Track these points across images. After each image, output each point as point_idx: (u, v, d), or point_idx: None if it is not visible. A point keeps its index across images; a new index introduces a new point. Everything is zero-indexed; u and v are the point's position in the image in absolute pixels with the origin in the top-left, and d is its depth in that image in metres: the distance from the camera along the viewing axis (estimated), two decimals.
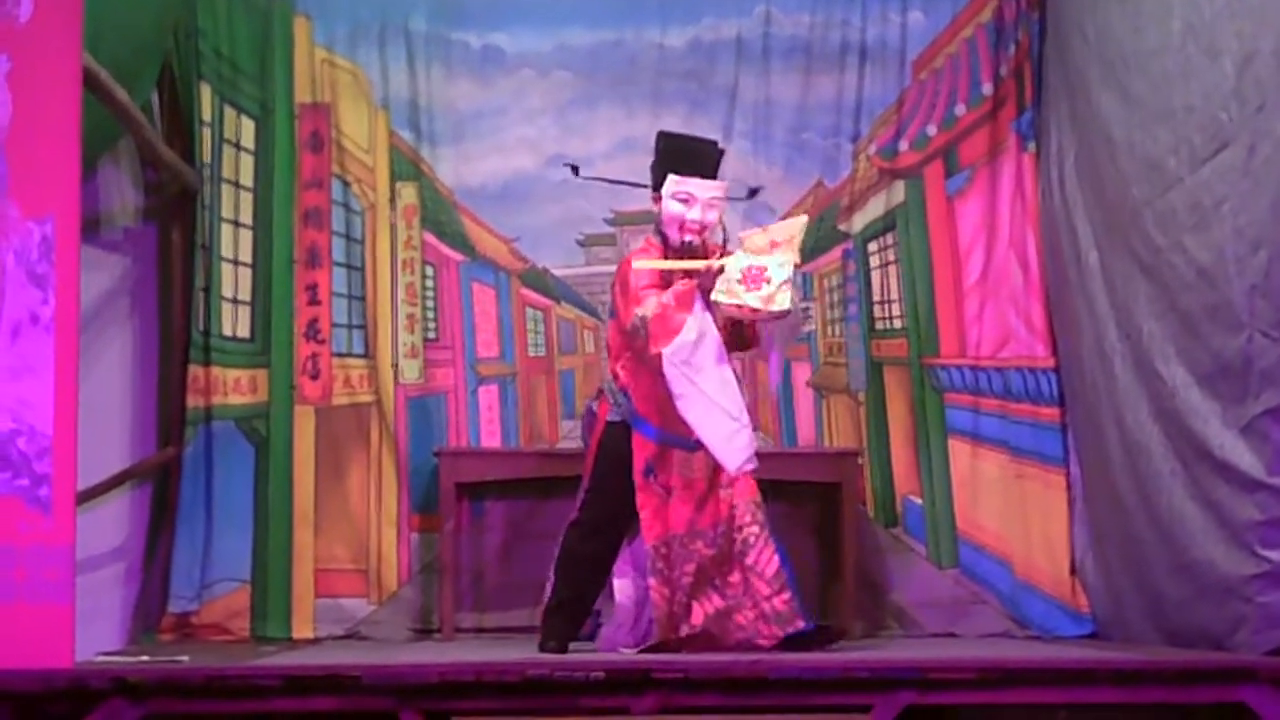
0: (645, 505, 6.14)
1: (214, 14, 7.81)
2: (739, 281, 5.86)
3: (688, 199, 6.22)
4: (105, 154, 7.43)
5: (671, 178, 6.26)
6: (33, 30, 5.25)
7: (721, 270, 5.91)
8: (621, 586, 6.30)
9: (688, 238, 6.23)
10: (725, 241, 6.42)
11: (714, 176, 6.30)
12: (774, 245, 5.96)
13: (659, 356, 5.95)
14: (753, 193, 6.88)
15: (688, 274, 6.10)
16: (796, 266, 5.95)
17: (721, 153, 6.45)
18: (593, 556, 6.29)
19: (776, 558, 6.09)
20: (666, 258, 6.25)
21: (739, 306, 5.88)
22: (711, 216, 6.25)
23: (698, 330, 5.94)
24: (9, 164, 5.20)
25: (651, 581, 6.11)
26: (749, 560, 6.10)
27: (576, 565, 6.29)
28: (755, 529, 6.11)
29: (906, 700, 5.00)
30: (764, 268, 5.86)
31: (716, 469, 6.14)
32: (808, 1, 8.04)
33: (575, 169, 6.92)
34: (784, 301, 5.85)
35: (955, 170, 7.91)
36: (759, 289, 5.84)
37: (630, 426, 6.22)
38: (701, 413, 5.94)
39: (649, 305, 6.03)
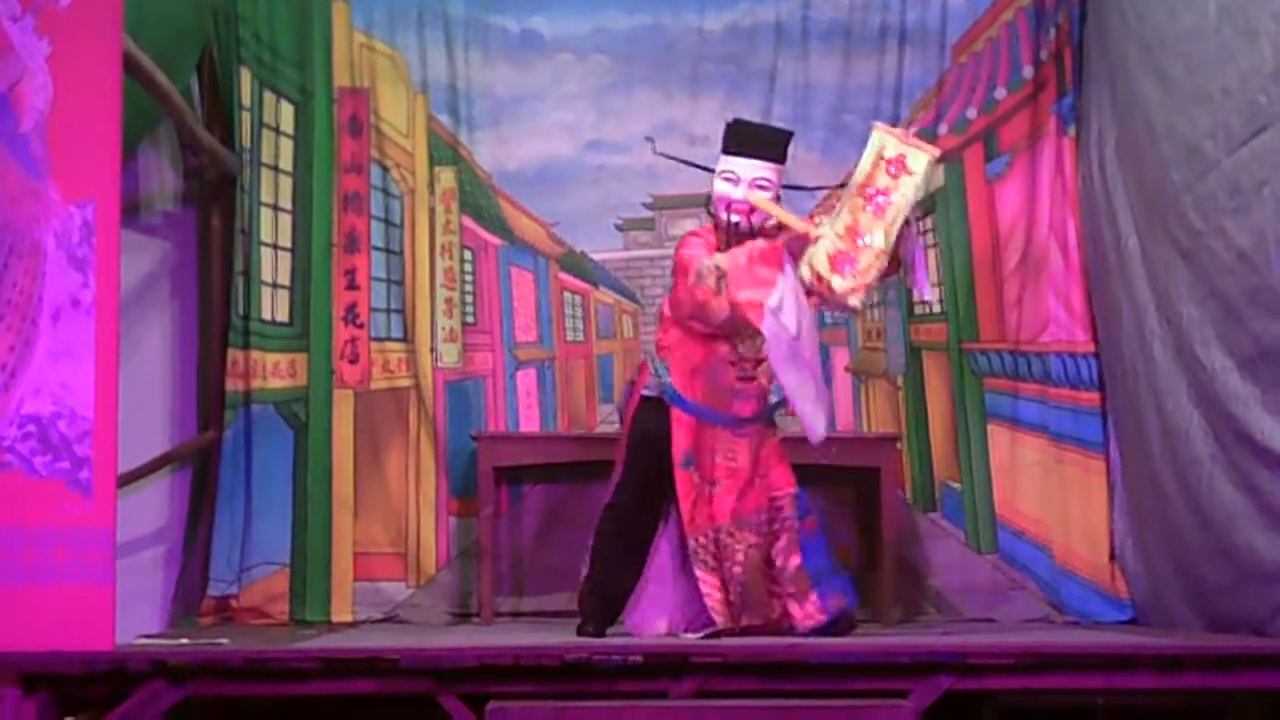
0: (685, 496, 6.14)
1: None
2: (828, 258, 5.86)
3: (733, 178, 6.23)
4: (145, 138, 7.46)
5: (722, 158, 6.30)
6: (74, 14, 5.27)
7: (815, 241, 5.92)
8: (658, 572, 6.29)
9: (733, 217, 6.22)
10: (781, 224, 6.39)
11: (768, 159, 6.27)
12: (892, 165, 5.94)
13: (734, 307, 5.93)
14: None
15: (772, 235, 6.18)
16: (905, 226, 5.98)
17: (782, 137, 6.43)
18: (626, 540, 6.27)
19: (796, 557, 6.18)
20: (718, 239, 6.25)
21: (819, 279, 5.87)
22: (758, 196, 6.22)
23: (793, 288, 5.89)
24: (50, 148, 5.22)
25: (699, 573, 6.11)
26: (775, 556, 6.19)
27: (610, 549, 6.29)
28: (789, 524, 6.20)
29: (945, 685, 5.00)
30: (853, 256, 5.85)
31: (759, 453, 6.19)
32: None
33: (652, 140, 6.93)
34: (857, 302, 5.91)
35: (995, 154, 7.89)
36: (843, 275, 5.85)
37: (666, 406, 6.20)
38: (796, 373, 5.91)
39: (721, 257, 6.01)
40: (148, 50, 6.26)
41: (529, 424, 7.85)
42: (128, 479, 6.51)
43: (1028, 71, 7.87)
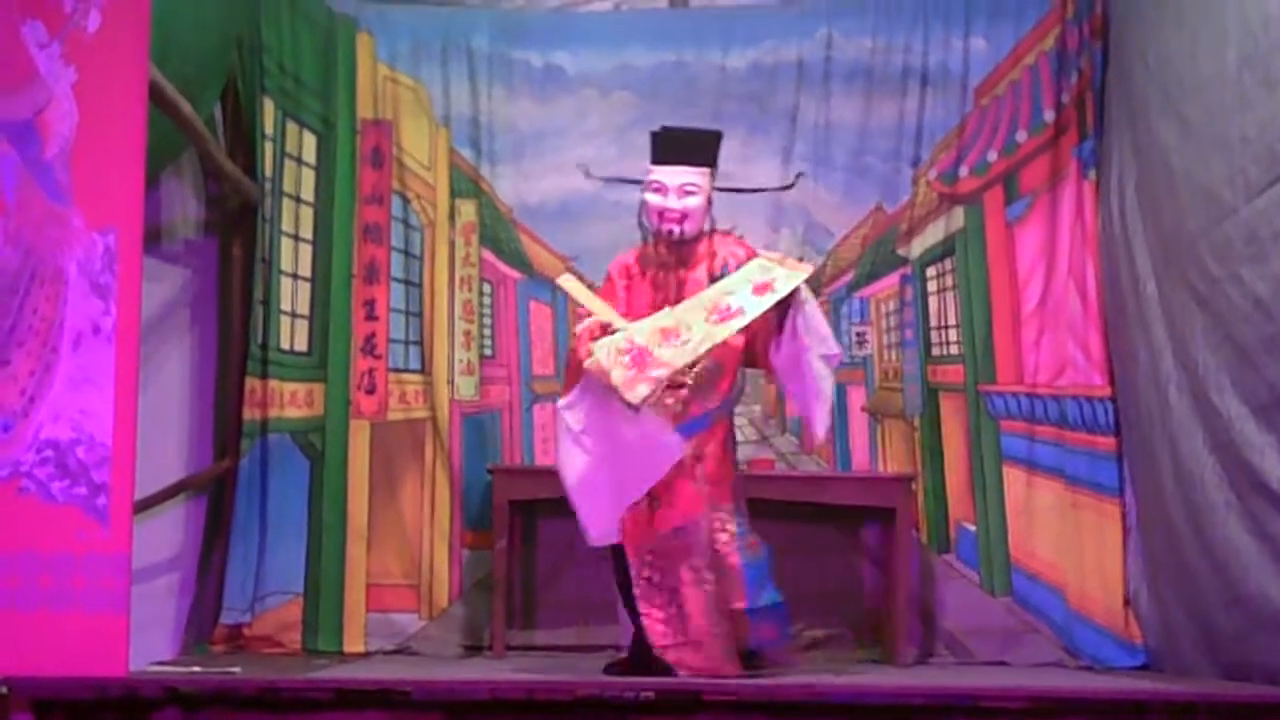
0: (625, 519, 5.98)
1: (278, 29, 7.87)
2: (621, 351, 5.67)
3: (660, 188, 6.16)
4: (168, 166, 7.48)
5: (648, 170, 6.22)
6: (100, 42, 5.30)
7: (614, 331, 5.77)
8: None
9: (667, 227, 6.14)
10: (713, 231, 6.26)
11: (694, 164, 6.18)
12: (759, 288, 5.79)
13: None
14: (796, 178, 6.86)
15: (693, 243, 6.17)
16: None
17: (708, 138, 6.32)
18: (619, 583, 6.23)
19: (734, 557, 5.96)
20: (646, 252, 6.23)
21: (599, 370, 5.65)
22: (692, 203, 6.13)
23: (595, 389, 5.77)
24: (74, 174, 5.25)
25: (642, 604, 6.00)
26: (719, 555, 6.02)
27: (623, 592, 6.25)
28: (723, 538, 6.01)
29: None
30: (651, 358, 5.63)
31: (696, 464, 6.01)
32: (870, 26, 8.03)
33: (587, 171, 6.95)
34: (641, 393, 5.59)
35: (1015, 197, 7.89)
36: (630, 366, 5.62)
37: None
38: (572, 467, 5.81)
39: (581, 325, 6.02)
40: (172, 79, 6.30)
41: (545, 458, 7.84)
42: (144, 506, 6.52)
43: (1049, 115, 7.87)
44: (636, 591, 6.03)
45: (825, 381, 5.91)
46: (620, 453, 5.76)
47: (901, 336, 7.87)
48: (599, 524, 5.86)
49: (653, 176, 6.19)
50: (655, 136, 6.28)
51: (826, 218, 7.88)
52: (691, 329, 5.71)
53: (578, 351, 5.92)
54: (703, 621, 5.95)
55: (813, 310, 5.89)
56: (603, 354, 5.65)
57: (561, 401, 5.89)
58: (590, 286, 6.25)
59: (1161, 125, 6.80)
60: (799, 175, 7.28)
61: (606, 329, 5.80)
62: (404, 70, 8.03)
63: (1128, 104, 7.31)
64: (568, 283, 6.18)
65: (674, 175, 6.15)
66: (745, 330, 5.86)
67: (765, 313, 5.79)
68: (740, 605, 5.99)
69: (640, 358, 5.62)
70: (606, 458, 5.77)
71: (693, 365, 5.88)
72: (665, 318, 5.78)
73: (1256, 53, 5.94)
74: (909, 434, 7.84)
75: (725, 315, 5.74)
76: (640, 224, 6.29)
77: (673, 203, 6.12)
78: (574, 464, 5.81)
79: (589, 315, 6.01)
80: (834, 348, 5.94)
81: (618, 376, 5.59)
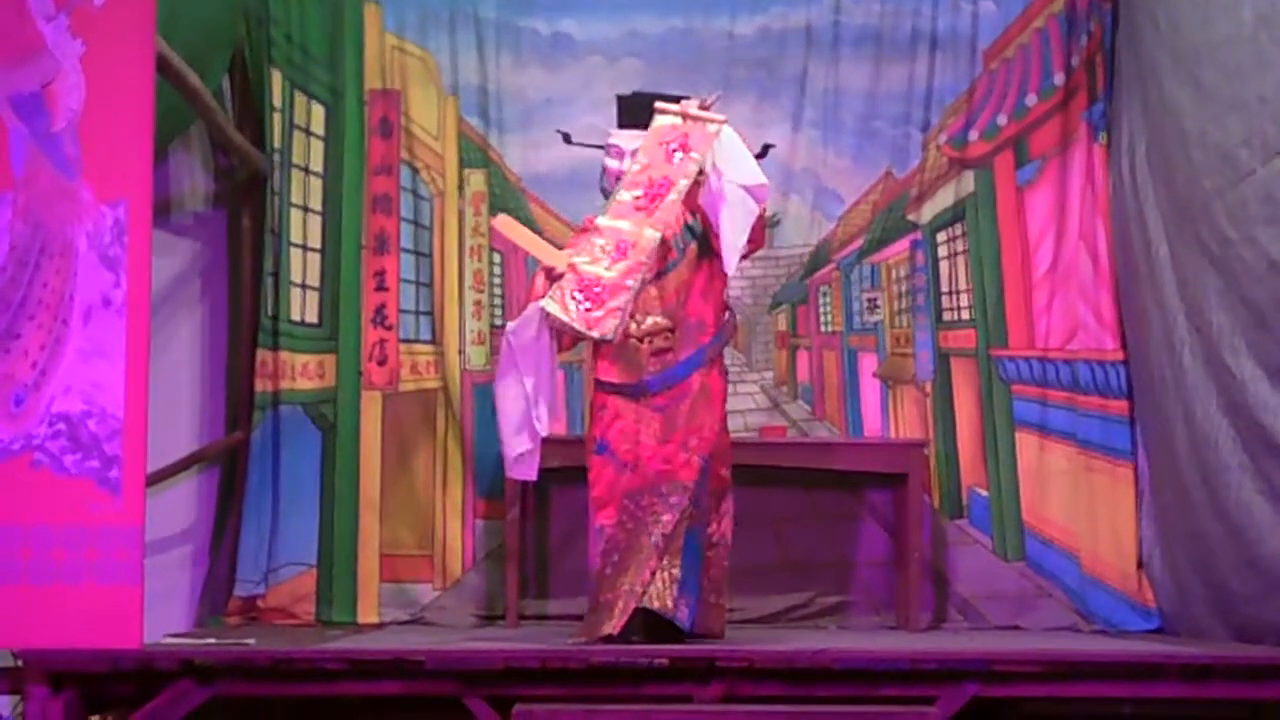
0: (598, 481, 6.04)
1: (285, 0, 7.84)
2: (574, 293, 5.68)
3: (617, 153, 6.19)
4: (177, 139, 7.50)
5: (609, 134, 6.27)
6: (107, 15, 5.30)
7: (562, 275, 5.75)
8: None
9: None
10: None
11: (646, 126, 6.13)
12: (674, 147, 5.84)
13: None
14: (764, 150, 6.81)
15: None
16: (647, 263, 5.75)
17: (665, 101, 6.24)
18: None
19: (646, 572, 5.83)
20: None
21: (561, 321, 5.68)
22: (504, 221, 6.17)
23: (538, 314, 5.81)
24: (83, 147, 5.25)
25: (600, 562, 5.93)
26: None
27: None
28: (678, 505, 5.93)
29: (972, 692, 4.99)
30: (604, 286, 5.65)
31: (675, 429, 5.98)
32: None
33: (567, 136, 6.91)
34: (609, 329, 5.65)
35: (1025, 161, 7.86)
36: (590, 308, 5.64)
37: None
38: (503, 381, 5.94)
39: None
40: (179, 51, 6.29)
41: (556, 427, 7.78)
42: (156, 478, 6.53)
43: (1059, 78, 7.84)
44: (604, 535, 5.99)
45: (741, 210, 5.84)
46: (541, 378, 5.87)
47: (913, 302, 7.85)
48: (512, 452, 6.01)
49: (610, 141, 6.24)
50: (620, 100, 6.29)
51: (836, 183, 7.86)
52: (624, 234, 5.74)
53: (534, 281, 6.08)
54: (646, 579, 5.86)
55: (729, 153, 5.88)
56: (556, 307, 5.67)
57: (510, 326, 5.96)
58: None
59: (1173, 87, 6.77)
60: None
61: (551, 273, 5.82)
62: (412, 40, 8.00)
63: (1138, 66, 7.28)
64: (504, 225, 6.19)
65: (630, 140, 6.15)
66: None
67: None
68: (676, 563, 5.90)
69: (593, 290, 5.67)
70: (531, 385, 5.88)
71: (667, 310, 5.98)
72: (599, 235, 5.79)
73: (1272, 11, 5.91)
74: (921, 400, 7.83)
75: (654, 195, 5.79)
76: (602, 189, 6.29)
77: (627, 165, 6.09)
78: (506, 388, 5.93)
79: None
80: (756, 178, 5.88)
81: (581, 322, 5.64)
